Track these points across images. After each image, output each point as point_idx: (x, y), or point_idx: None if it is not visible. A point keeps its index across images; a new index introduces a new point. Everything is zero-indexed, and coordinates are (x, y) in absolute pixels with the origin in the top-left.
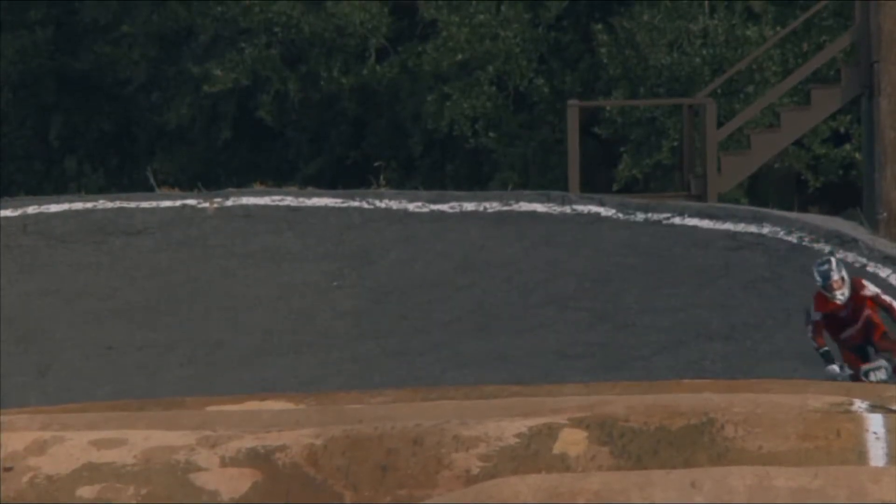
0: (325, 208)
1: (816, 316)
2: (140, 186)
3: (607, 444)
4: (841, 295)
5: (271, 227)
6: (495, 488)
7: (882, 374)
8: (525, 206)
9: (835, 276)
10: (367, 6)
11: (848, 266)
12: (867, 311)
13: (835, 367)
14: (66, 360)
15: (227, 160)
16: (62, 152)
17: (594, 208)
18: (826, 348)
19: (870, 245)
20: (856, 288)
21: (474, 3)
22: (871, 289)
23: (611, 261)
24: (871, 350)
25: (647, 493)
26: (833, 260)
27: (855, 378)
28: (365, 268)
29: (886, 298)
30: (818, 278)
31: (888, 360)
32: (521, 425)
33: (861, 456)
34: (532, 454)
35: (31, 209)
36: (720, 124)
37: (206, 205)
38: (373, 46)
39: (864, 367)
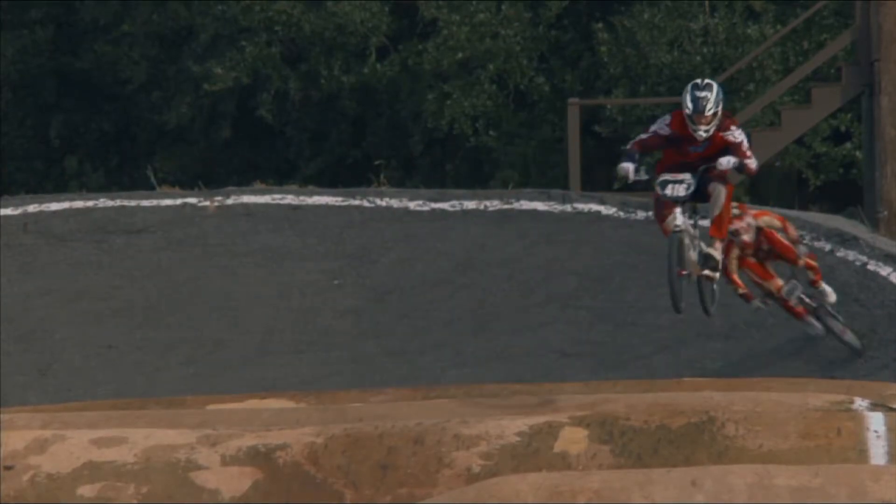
0: (326, 207)
1: (663, 129)
2: (141, 185)
3: (608, 443)
4: (704, 132)
5: (272, 225)
6: (496, 487)
7: (680, 191)
8: (526, 205)
9: (709, 110)
10: (368, 5)
11: (851, 263)
12: (720, 170)
13: (628, 166)
14: (66, 359)
15: (228, 159)
16: (62, 152)
17: (595, 207)
18: (636, 153)
19: (870, 243)
20: (723, 128)
21: (475, 2)
22: (738, 136)
23: (611, 259)
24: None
25: (647, 492)
26: (716, 88)
27: (642, 181)
28: (365, 266)
29: (748, 153)
30: (689, 104)
31: (692, 180)
32: (522, 424)
33: (862, 454)
34: (533, 452)
35: (32, 208)
36: None
37: (207, 203)
38: (373, 45)
39: (665, 176)
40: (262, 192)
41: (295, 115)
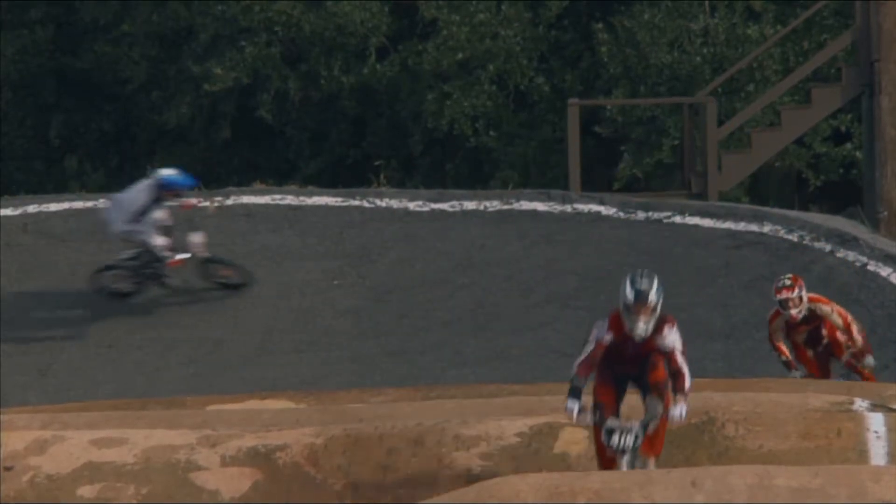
0: (326, 207)
1: (605, 337)
2: None
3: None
4: (643, 327)
5: (272, 225)
6: (496, 487)
7: (628, 443)
8: (525, 205)
9: (651, 300)
10: (368, 5)
11: (851, 264)
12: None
13: (574, 408)
14: (66, 359)
15: (228, 159)
16: (62, 152)
17: (595, 207)
18: (584, 382)
19: (870, 244)
20: (659, 328)
21: (474, 2)
22: (669, 343)
23: (611, 259)
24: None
25: (647, 492)
26: (656, 280)
27: (597, 424)
28: (365, 267)
29: (679, 360)
30: (629, 295)
31: (640, 430)
32: (522, 424)
33: (862, 455)
34: (532, 453)
35: (32, 208)
36: (721, 123)
37: (207, 204)
38: (373, 45)
39: (611, 423)
40: (262, 193)
41: (295, 115)
